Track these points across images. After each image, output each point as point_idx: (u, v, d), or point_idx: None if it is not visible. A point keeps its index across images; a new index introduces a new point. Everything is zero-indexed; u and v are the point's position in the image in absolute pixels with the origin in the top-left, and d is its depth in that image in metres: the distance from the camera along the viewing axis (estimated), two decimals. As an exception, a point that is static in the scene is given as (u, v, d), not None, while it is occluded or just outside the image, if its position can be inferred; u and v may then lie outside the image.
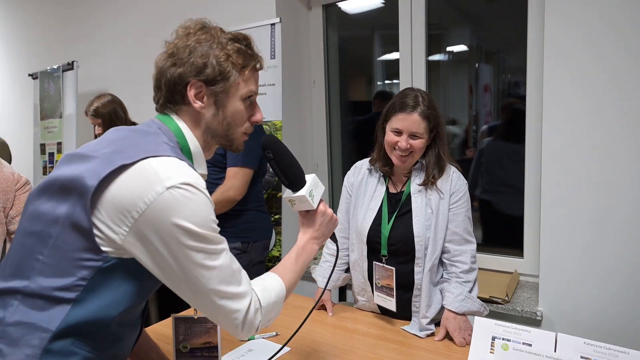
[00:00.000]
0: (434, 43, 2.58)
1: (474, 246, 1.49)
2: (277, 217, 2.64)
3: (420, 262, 1.48)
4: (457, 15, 2.65)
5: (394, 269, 1.48)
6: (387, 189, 1.57)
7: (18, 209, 1.36)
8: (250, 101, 0.99)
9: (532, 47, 2.15)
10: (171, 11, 3.16)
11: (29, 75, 3.93)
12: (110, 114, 2.48)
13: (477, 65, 2.62)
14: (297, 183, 1.08)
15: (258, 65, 0.99)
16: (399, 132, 1.45)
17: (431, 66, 2.59)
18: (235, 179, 2.03)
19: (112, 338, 0.89)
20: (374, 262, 1.53)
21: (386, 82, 2.92)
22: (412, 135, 1.44)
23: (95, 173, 0.80)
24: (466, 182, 1.53)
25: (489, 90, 2.59)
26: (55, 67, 3.59)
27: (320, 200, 1.11)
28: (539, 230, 2.04)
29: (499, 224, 2.62)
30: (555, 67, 1.89)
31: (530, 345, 1.19)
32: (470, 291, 1.44)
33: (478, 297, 2.08)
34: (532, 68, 2.16)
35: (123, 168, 0.80)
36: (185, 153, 0.95)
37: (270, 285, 0.98)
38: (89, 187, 0.79)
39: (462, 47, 2.65)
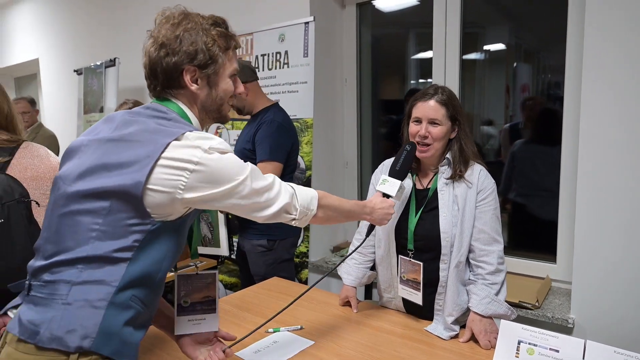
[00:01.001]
0: (470, 42, 2.54)
1: (501, 247, 1.47)
2: (305, 213, 2.66)
3: (445, 259, 1.47)
4: (494, 14, 2.60)
5: (421, 264, 1.47)
6: (414, 185, 1.57)
7: None
8: (234, 77, 1.13)
9: (571, 46, 2.09)
10: (207, 9, 3.22)
11: (74, 71, 4.12)
12: None
13: (514, 64, 2.56)
14: (402, 175, 1.46)
15: (236, 45, 1.12)
16: (418, 121, 1.49)
17: (467, 65, 2.55)
18: (265, 172, 2.05)
19: (156, 292, 1.04)
20: (400, 255, 1.53)
21: (420, 80, 2.89)
22: (431, 123, 1.47)
23: (148, 155, 0.93)
24: (494, 181, 1.51)
25: (526, 90, 2.53)
26: (98, 63, 3.74)
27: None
28: (572, 236, 1.98)
29: (532, 228, 2.56)
30: (594, 67, 1.83)
31: (557, 351, 1.17)
32: (497, 293, 1.42)
33: (507, 301, 2.06)
34: (571, 68, 2.10)
35: (168, 145, 0.94)
36: None
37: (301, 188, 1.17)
38: (146, 167, 0.92)
39: (499, 46, 2.60)
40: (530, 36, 2.53)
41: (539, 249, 2.40)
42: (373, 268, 1.72)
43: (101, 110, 3.74)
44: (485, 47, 2.60)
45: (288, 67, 2.72)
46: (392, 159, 1.65)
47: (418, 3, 2.75)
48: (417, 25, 2.82)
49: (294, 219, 1.13)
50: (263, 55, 2.85)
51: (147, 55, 1.06)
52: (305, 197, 1.14)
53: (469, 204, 1.46)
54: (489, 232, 1.45)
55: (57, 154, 4.00)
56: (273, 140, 2.10)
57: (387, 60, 3.04)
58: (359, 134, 3.00)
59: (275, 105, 2.27)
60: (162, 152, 0.93)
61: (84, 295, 0.92)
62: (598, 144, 1.84)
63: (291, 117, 2.68)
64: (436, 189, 1.51)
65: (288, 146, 2.17)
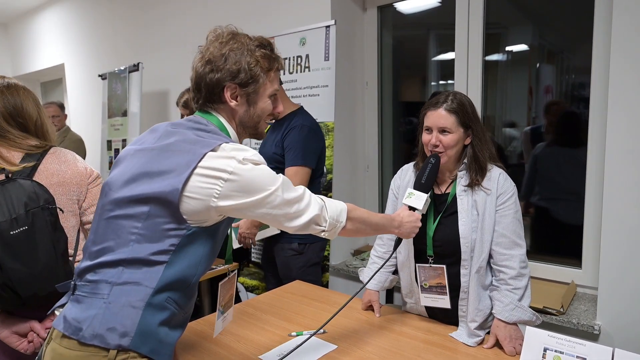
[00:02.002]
0: (491, 42, 2.51)
1: (524, 251, 1.45)
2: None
3: (466, 265, 1.46)
4: (517, 14, 2.57)
5: (444, 266, 1.47)
6: (432, 190, 1.57)
7: (90, 201, 1.48)
8: (274, 97, 1.18)
9: (598, 47, 2.05)
10: (229, 14, 3.28)
11: (99, 76, 4.22)
12: None
13: (537, 65, 2.53)
14: (427, 188, 1.46)
15: (279, 66, 1.18)
16: (429, 130, 1.50)
17: (489, 66, 2.53)
18: (296, 177, 2.09)
19: (191, 294, 1.09)
20: (417, 264, 1.53)
21: (441, 82, 2.88)
22: (442, 131, 1.47)
23: (186, 164, 0.99)
24: (514, 184, 1.50)
25: (550, 91, 2.49)
26: (122, 68, 3.83)
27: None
28: (599, 240, 1.95)
29: (557, 233, 2.52)
30: (622, 68, 1.79)
31: (584, 359, 1.15)
32: (520, 299, 1.40)
33: (530, 307, 2.04)
34: (597, 69, 2.06)
35: (204, 155, 1.00)
36: None
37: (331, 200, 1.20)
38: (183, 174, 0.98)
39: (522, 47, 2.56)
40: (554, 37, 2.50)
41: (564, 254, 2.36)
42: (396, 272, 1.73)
43: (124, 114, 3.82)
44: (508, 48, 2.57)
45: (309, 70, 2.74)
46: (411, 163, 1.66)
47: (439, 4, 2.74)
48: (438, 26, 2.81)
49: (323, 231, 1.15)
50: (284, 59, 2.87)
51: (194, 70, 1.13)
52: (334, 209, 1.17)
53: (488, 209, 1.45)
54: (509, 236, 1.44)
55: (84, 157, 4.10)
56: (304, 145, 2.12)
57: (408, 63, 3.03)
58: (380, 137, 3.00)
59: (301, 109, 2.28)
60: (199, 161, 0.99)
61: (124, 296, 0.97)
62: (625, 146, 1.81)
63: (312, 121, 2.70)
64: (455, 194, 1.51)
65: (318, 150, 2.19)
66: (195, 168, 0.98)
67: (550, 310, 2.02)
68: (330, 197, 2.71)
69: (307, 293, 1.93)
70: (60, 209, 1.33)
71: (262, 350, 1.44)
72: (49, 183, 1.37)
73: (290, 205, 1.08)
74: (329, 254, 2.76)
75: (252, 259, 2.96)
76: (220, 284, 1.29)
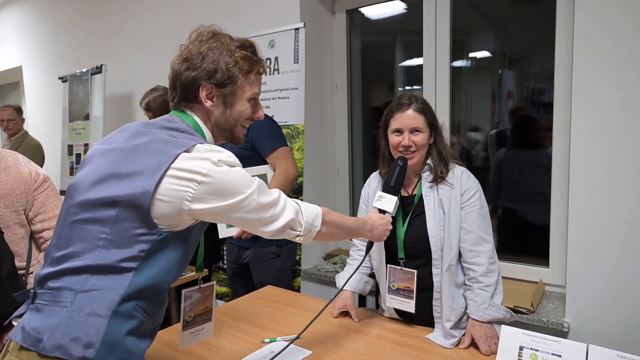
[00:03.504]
0: (457, 49, 2.56)
1: (491, 246, 1.46)
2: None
3: (437, 264, 1.47)
4: (480, 20, 2.62)
5: (415, 271, 1.47)
6: (400, 193, 1.57)
7: (37, 209, 1.38)
8: (254, 101, 1.13)
9: (561, 51, 2.12)
10: (195, 16, 3.21)
11: (59, 78, 4.04)
12: (160, 108, 2.51)
13: (500, 71, 2.59)
14: (396, 191, 1.46)
15: (261, 70, 1.14)
16: (399, 131, 1.51)
17: (453, 72, 2.56)
18: (286, 158, 2.13)
19: (160, 303, 1.03)
20: (389, 265, 1.53)
21: (407, 88, 2.90)
22: (413, 131, 1.49)
23: (158, 165, 0.93)
24: (477, 181, 1.52)
25: (511, 96, 2.56)
26: (84, 70, 3.68)
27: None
28: (565, 239, 1.99)
29: (524, 233, 2.57)
30: (585, 71, 1.85)
31: (559, 356, 1.16)
32: (492, 296, 1.41)
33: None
34: (560, 73, 2.12)
35: (177, 156, 0.95)
36: None
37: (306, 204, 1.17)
38: (155, 176, 0.92)
39: (485, 53, 2.62)
40: (516, 43, 2.57)
41: (532, 254, 2.41)
42: (372, 276, 1.71)
43: (86, 117, 3.67)
44: (472, 55, 2.62)
45: (278, 73, 2.71)
46: (377, 171, 1.66)
47: (405, 11, 2.77)
48: (405, 32, 2.84)
49: (299, 235, 1.12)
50: (253, 62, 2.83)
51: (171, 67, 1.09)
52: (310, 213, 1.13)
53: (453, 207, 1.47)
54: (476, 232, 1.45)
55: (42, 164, 3.91)
56: (273, 129, 2.17)
57: (376, 67, 3.04)
58: (350, 140, 2.99)
59: None
60: (172, 162, 0.94)
61: (88, 304, 0.91)
62: (590, 148, 1.86)
63: (282, 124, 2.67)
64: (421, 195, 1.52)
65: (282, 132, 2.25)
66: (167, 169, 0.93)
67: (521, 309, 2.05)
68: (301, 200, 2.68)
69: (279, 298, 1.88)
70: (1, 231, 1.22)
71: (235, 358, 1.38)
72: None
73: (266, 210, 1.04)
74: (300, 258, 2.73)
75: (224, 266, 2.89)
76: (184, 291, 1.22)
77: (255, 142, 2.13)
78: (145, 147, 0.97)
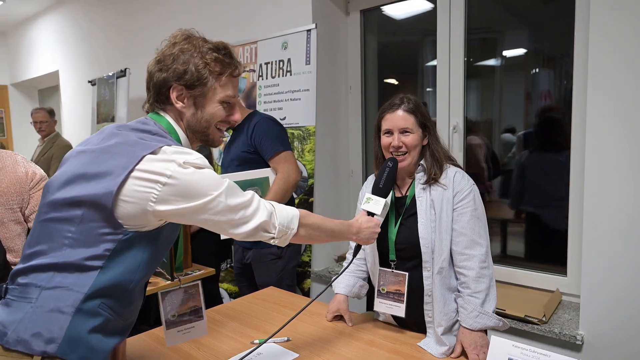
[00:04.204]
0: (488, 47, 2.47)
1: (484, 250, 1.40)
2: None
3: (428, 266, 1.42)
4: (513, 18, 2.51)
5: (406, 274, 1.43)
6: (394, 193, 1.54)
7: (32, 207, 1.43)
8: (228, 104, 1.13)
9: (579, 51, 2.02)
10: (214, 21, 3.26)
11: (89, 82, 4.21)
12: None
13: (535, 70, 2.47)
14: (385, 193, 1.43)
15: (236, 72, 1.13)
16: (390, 132, 1.48)
17: (484, 71, 2.49)
18: (288, 162, 2.12)
19: (129, 301, 1.04)
20: (379, 268, 1.49)
21: (427, 89, 2.82)
22: (403, 132, 1.46)
23: (123, 167, 0.95)
24: (472, 181, 1.46)
25: (547, 96, 2.43)
26: (110, 74, 3.82)
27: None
28: (581, 246, 1.89)
29: (545, 240, 2.46)
30: (599, 72, 1.74)
31: (549, 370, 1.09)
32: (483, 304, 1.35)
33: (511, 316, 1.97)
34: (578, 72, 2.02)
35: (142, 158, 0.96)
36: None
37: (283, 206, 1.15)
38: (119, 178, 0.93)
39: (518, 51, 2.50)
40: (552, 41, 2.43)
41: (551, 261, 2.30)
42: (368, 281, 1.68)
43: (112, 119, 3.81)
44: (505, 53, 2.51)
45: (291, 74, 2.71)
46: (374, 173, 1.62)
47: (425, 10, 2.69)
48: (427, 32, 2.75)
49: (273, 238, 1.11)
50: (267, 64, 2.85)
51: (147, 70, 1.13)
52: (285, 216, 1.12)
53: (445, 208, 1.42)
54: (468, 235, 1.39)
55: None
56: (276, 133, 2.16)
57: (393, 68, 2.98)
58: (364, 142, 2.96)
59: (255, 110, 2.32)
60: (137, 164, 0.95)
61: (52, 300, 0.93)
62: (605, 150, 1.75)
63: (293, 125, 2.67)
64: (414, 195, 1.47)
65: (286, 136, 2.24)
66: (131, 171, 0.94)
67: (531, 319, 1.96)
68: (312, 202, 2.67)
69: (278, 300, 1.87)
70: None
71: (221, 358, 1.39)
72: None
73: (235, 212, 1.03)
74: (310, 260, 2.71)
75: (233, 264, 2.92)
76: (160, 292, 1.23)
77: (259, 146, 2.13)
78: (114, 149, 0.99)
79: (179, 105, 1.08)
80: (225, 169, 2.27)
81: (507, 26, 2.49)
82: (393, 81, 2.97)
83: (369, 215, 1.40)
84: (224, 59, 1.10)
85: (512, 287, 2.33)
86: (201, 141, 1.15)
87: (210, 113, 1.11)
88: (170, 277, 2.25)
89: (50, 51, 5.57)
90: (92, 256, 0.94)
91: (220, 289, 3.05)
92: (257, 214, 1.06)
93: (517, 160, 2.49)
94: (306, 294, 2.70)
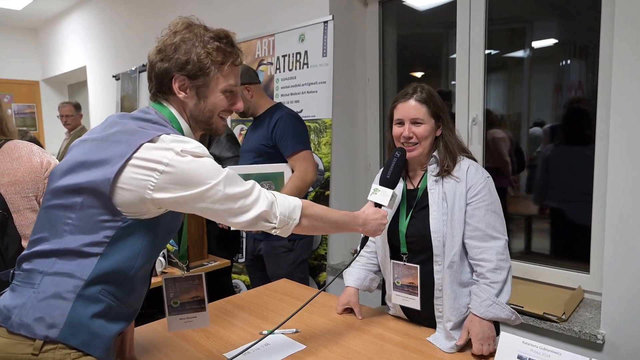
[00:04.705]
0: (517, 38, 2.40)
1: (502, 242, 1.36)
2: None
3: (439, 260, 1.39)
4: (541, 7, 2.42)
5: (418, 267, 1.41)
6: (405, 185, 1.51)
7: None
8: (230, 92, 1.12)
9: (605, 42, 1.94)
10: (232, 14, 3.27)
11: (113, 76, 4.30)
12: None
13: (565, 61, 2.37)
14: (392, 183, 1.40)
15: (238, 61, 1.12)
16: (401, 122, 1.45)
17: (510, 64, 2.42)
18: (306, 161, 2.12)
19: (130, 288, 1.04)
20: (392, 260, 1.46)
21: (452, 83, 2.75)
22: (414, 123, 1.42)
23: (121, 155, 0.96)
24: (487, 174, 1.42)
25: (578, 88, 2.34)
26: (133, 68, 3.89)
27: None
28: (603, 242, 1.81)
29: (569, 236, 2.38)
30: (624, 64, 1.67)
31: (559, 368, 1.05)
32: (498, 294, 1.31)
33: (530, 313, 1.91)
34: (604, 65, 1.95)
35: (140, 146, 0.96)
36: (181, 134, 1.09)
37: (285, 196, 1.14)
38: (116, 165, 0.94)
39: (548, 42, 2.41)
40: (582, 31, 2.33)
41: (574, 258, 2.22)
42: (378, 273, 1.66)
43: (136, 113, 3.88)
44: (533, 44, 2.43)
45: (308, 67, 2.70)
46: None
47: (443, 3, 2.61)
48: (450, 24, 2.68)
49: (274, 228, 1.10)
50: (284, 56, 2.84)
51: (148, 59, 1.13)
52: (287, 206, 1.12)
53: (458, 201, 1.38)
54: (483, 229, 1.35)
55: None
56: (298, 131, 2.15)
57: (415, 60, 2.93)
58: (381, 135, 2.92)
59: (280, 103, 2.31)
60: (135, 152, 0.96)
61: (53, 286, 0.95)
62: (629, 145, 1.68)
63: (310, 118, 2.66)
64: (426, 187, 1.44)
65: (307, 135, 2.23)
66: (129, 159, 0.95)
67: (550, 317, 1.90)
68: (328, 195, 2.66)
69: (290, 292, 1.87)
70: (7, 214, 1.30)
71: (229, 348, 1.39)
72: (0, 184, 1.36)
73: (234, 201, 1.03)
74: (326, 253, 2.71)
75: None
76: (164, 279, 1.25)
77: (279, 142, 2.12)
78: (114, 137, 1.00)
79: (181, 95, 1.08)
80: (241, 159, 2.29)
81: (535, 16, 2.40)
82: (417, 74, 2.91)
83: (376, 206, 1.38)
84: (226, 47, 1.09)
85: (533, 284, 2.26)
86: (204, 130, 1.15)
87: (213, 103, 1.10)
88: (185, 268, 2.28)
89: (79, 47, 5.71)
90: (91, 242, 0.95)
91: (238, 280, 3.08)
92: (258, 203, 1.06)
93: (542, 153, 2.41)
94: (322, 286, 2.70)
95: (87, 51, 5.50)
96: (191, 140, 1.01)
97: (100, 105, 5.35)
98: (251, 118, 2.29)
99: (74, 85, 7.05)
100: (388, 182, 1.39)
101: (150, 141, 0.97)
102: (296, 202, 1.13)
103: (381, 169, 1.60)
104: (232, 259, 2.69)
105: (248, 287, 3.02)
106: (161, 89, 1.10)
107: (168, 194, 0.97)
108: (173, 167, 0.96)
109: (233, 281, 2.97)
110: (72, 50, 5.90)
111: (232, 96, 1.14)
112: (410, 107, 1.41)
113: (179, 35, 1.07)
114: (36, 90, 7.04)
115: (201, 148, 1.01)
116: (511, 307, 1.33)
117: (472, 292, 1.36)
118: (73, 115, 4.11)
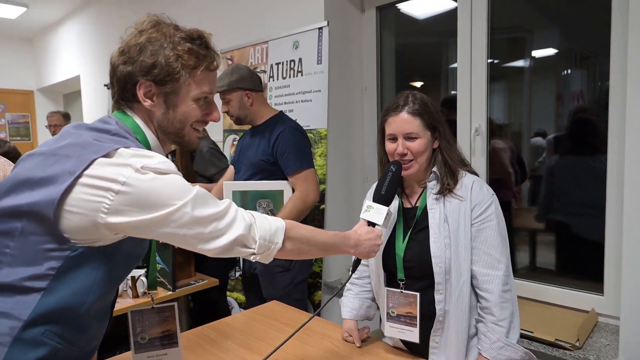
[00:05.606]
0: (517, 48, 2.30)
1: (504, 267, 1.23)
2: (318, 231, 2.48)
3: (440, 289, 1.25)
4: (541, 17, 2.32)
5: (417, 294, 1.26)
6: (401, 204, 1.37)
7: None
8: (205, 101, 0.99)
9: (616, 49, 1.83)
10: (226, 22, 3.16)
11: (105, 85, 4.19)
12: None
13: (566, 71, 2.27)
14: (388, 200, 1.26)
15: (213, 65, 0.98)
16: (393, 138, 1.30)
17: (511, 73, 2.32)
18: (308, 182, 1.97)
19: (82, 326, 0.90)
20: (387, 288, 1.32)
21: (453, 92, 2.63)
22: (408, 138, 1.28)
23: (69, 172, 0.82)
24: (492, 191, 1.29)
25: (580, 98, 2.23)
26: (124, 77, 3.78)
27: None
28: (620, 261, 1.67)
29: (578, 252, 2.24)
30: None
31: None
32: (508, 333, 1.18)
33: (541, 340, 1.77)
34: (616, 73, 1.84)
35: (93, 161, 0.83)
36: (146, 147, 0.96)
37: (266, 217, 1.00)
38: (63, 184, 0.81)
39: (549, 51, 2.31)
40: (583, 40, 2.23)
41: (585, 277, 2.08)
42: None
43: (126, 123, 3.76)
44: (533, 53, 2.32)
45: (302, 75, 2.58)
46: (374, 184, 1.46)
47: (443, 11, 2.50)
48: (451, 33, 2.57)
49: (253, 254, 0.96)
50: (278, 64, 2.72)
51: (110, 61, 0.98)
52: (267, 228, 0.97)
53: (463, 222, 1.24)
54: (491, 253, 1.22)
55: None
56: (301, 148, 2.01)
57: (414, 69, 2.81)
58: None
59: (282, 113, 2.15)
60: (85, 168, 0.82)
61: None
62: (649, 155, 1.55)
63: (304, 128, 2.53)
64: (425, 206, 1.30)
65: (310, 151, 2.09)
66: (79, 177, 0.81)
67: (563, 344, 1.75)
68: (323, 209, 2.52)
69: (280, 316, 1.72)
70: None
71: (208, 384, 1.25)
72: None
73: (205, 224, 0.88)
74: (321, 270, 2.56)
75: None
76: (130, 310, 1.11)
77: (280, 157, 1.98)
78: (63, 151, 0.86)
79: (147, 103, 0.94)
80: (237, 173, 2.15)
81: (536, 25, 2.30)
82: (417, 84, 2.79)
83: (369, 225, 1.24)
84: (199, 50, 0.96)
85: (542, 305, 2.11)
86: (175, 143, 1.02)
87: (184, 112, 0.97)
88: (171, 288, 2.14)
89: (73, 56, 5.63)
90: (33, 276, 0.81)
91: (230, 298, 2.93)
92: (233, 226, 0.91)
93: (547, 164, 2.29)
94: (317, 307, 2.55)
95: (81, 60, 5.42)
96: (155, 155, 0.87)
97: (94, 115, 5.24)
98: (245, 127, 2.15)
99: (69, 95, 6.96)
100: (382, 198, 1.25)
101: (106, 156, 0.83)
102: (278, 224, 1.00)
103: (374, 184, 1.46)
104: (227, 274, 2.55)
105: (241, 306, 2.86)
106: (124, 96, 0.96)
107: (125, 217, 0.82)
108: (131, 187, 0.82)
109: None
110: (67, 59, 5.81)
111: (207, 105, 1.00)
112: (403, 121, 1.27)
113: (145, 34, 0.93)
114: (30, 100, 6.95)
115: (166, 164, 0.87)
116: (521, 336, 1.20)
117: (480, 331, 1.23)
118: (61, 125, 3.99)
